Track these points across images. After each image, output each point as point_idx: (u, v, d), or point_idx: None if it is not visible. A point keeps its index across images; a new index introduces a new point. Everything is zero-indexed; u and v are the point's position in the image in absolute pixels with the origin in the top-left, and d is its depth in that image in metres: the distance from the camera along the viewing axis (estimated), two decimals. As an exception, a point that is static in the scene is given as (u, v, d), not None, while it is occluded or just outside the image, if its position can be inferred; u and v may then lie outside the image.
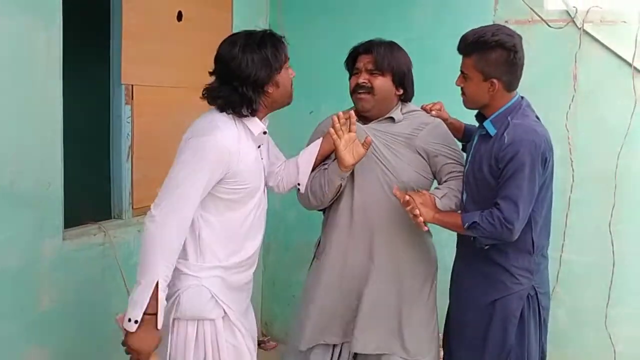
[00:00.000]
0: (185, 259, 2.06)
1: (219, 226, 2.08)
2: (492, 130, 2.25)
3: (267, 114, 2.17)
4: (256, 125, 2.10)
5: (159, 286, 1.90)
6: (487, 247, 2.26)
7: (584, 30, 3.17)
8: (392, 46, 2.42)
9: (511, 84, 2.26)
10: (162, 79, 3.14)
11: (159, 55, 3.10)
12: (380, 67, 2.37)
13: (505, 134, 2.18)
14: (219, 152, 1.97)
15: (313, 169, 2.41)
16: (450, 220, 2.30)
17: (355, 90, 2.41)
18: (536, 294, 2.30)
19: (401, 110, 2.47)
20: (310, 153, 2.41)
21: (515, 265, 2.28)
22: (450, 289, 2.54)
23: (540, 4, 3.27)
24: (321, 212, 2.63)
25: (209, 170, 1.96)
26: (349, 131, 2.28)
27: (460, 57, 2.30)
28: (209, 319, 2.07)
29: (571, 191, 3.23)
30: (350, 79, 2.46)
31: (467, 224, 2.21)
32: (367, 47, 2.41)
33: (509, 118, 2.22)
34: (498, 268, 2.30)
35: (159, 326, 1.93)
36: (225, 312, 2.09)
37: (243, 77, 2.01)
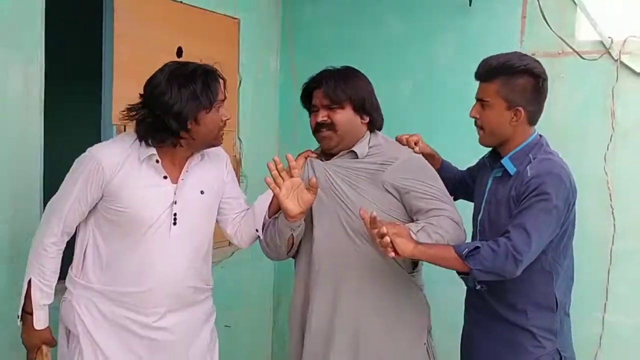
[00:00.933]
0: (71, 270, 2.10)
1: (103, 248, 2.05)
2: (511, 169, 2.06)
3: (191, 150, 2.08)
4: (146, 151, 2.02)
5: (33, 285, 2.00)
6: (480, 288, 2.01)
7: (621, 62, 2.93)
8: (345, 73, 2.21)
9: (535, 116, 2.09)
10: None
11: None
12: (335, 100, 2.16)
13: (527, 169, 2.01)
14: (91, 163, 1.98)
15: (273, 214, 2.21)
16: (438, 252, 1.96)
17: (316, 130, 2.21)
18: (561, 359, 2.06)
19: (369, 142, 2.23)
20: (265, 197, 2.21)
21: (536, 326, 2.05)
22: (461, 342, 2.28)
23: (572, 34, 3.03)
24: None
25: (81, 180, 1.99)
26: (291, 176, 2.07)
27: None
28: (74, 333, 2.07)
29: (613, 242, 2.94)
30: (309, 117, 2.26)
31: (465, 251, 1.91)
32: (318, 81, 2.20)
33: (530, 155, 2.05)
34: (516, 330, 2.06)
35: (36, 326, 2.02)
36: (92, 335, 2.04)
37: (165, 106, 1.96)
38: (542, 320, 2.05)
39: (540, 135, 2.12)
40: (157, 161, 2.03)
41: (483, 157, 2.28)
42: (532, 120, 2.09)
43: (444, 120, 3.14)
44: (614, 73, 2.92)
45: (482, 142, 2.15)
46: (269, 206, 2.19)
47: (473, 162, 2.40)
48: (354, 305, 2.16)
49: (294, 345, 2.29)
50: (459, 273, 2.01)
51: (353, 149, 2.20)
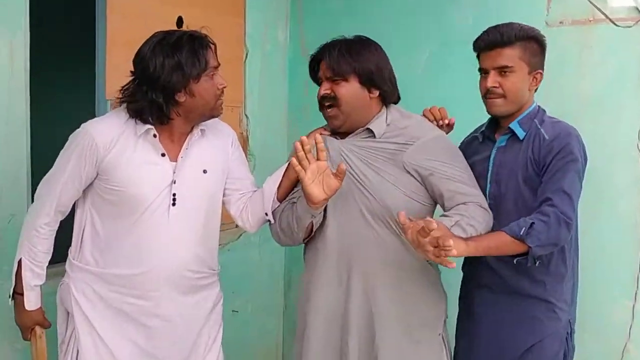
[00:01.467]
0: (70, 252, 2.04)
1: (101, 229, 1.99)
2: (520, 133, 2.06)
3: (189, 124, 1.99)
4: (142, 126, 1.93)
5: (23, 265, 1.96)
6: (536, 263, 1.95)
7: (658, 30, 2.70)
8: (350, 43, 2.05)
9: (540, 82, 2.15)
10: None
11: None
12: (338, 71, 2.02)
13: (542, 131, 2.02)
14: (84, 139, 1.92)
15: (283, 198, 2.12)
16: (493, 242, 1.86)
17: (321, 105, 2.08)
18: (570, 331, 2.09)
19: (387, 118, 2.08)
20: (274, 178, 2.13)
21: (554, 296, 2.05)
22: (458, 331, 2.24)
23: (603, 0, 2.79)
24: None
25: (74, 157, 1.92)
26: (317, 159, 1.93)
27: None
28: (72, 314, 2.01)
29: None
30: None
31: (522, 231, 1.83)
32: (321, 52, 2.08)
33: (535, 121, 2.07)
34: (535, 303, 2.05)
35: (27, 306, 1.99)
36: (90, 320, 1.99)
37: (151, 80, 1.87)
38: (559, 290, 2.04)
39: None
40: (155, 135, 1.94)
41: (470, 135, 2.27)
42: (538, 86, 2.14)
43: (462, 94, 2.95)
44: (651, 42, 2.69)
45: (499, 111, 2.09)
46: (278, 189, 2.10)
47: None
48: (369, 293, 2.05)
49: (307, 331, 2.15)
50: (513, 256, 1.91)
51: (369, 126, 2.06)
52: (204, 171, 2.03)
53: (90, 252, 1.99)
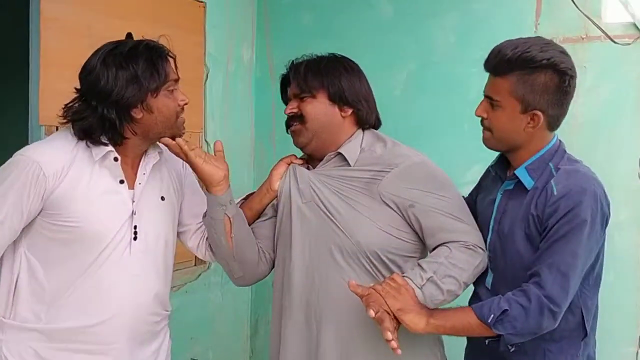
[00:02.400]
0: None
1: (44, 277, 1.71)
2: (528, 182, 1.74)
3: (145, 144, 1.80)
4: (99, 148, 1.73)
5: None
6: (514, 349, 1.67)
7: (659, 48, 2.57)
8: (320, 59, 1.93)
9: (557, 121, 1.76)
10: None
11: None
12: (305, 87, 1.88)
13: (552, 184, 1.68)
14: (27, 168, 1.66)
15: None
16: (460, 323, 1.65)
17: (287, 124, 1.94)
18: None
19: (362, 142, 1.91)
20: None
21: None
22: None
23: (597, 14, 2.63)
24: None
25: (15, 190, 1.65)
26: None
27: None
28: None
29: None
30: None
31: (490, 318, 1.60)
32: (289, 70, 1.95)
33: (550, 165, 1.74)
34: None
35: None
36: None
37: (102, 94, 1.68)
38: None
39: (560, 140, 1.80)
40: (116, 159, 1.74)
41: (488, 167, 1.95)
42: (554, 125, 1.76)
43: (442, 118, 2.78)
44: (650, 61, 2.55)
45: (488, 145, 1.81)
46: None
47: (476, 167, 2.01)
48: (340, 351, 1.82)
49: None
50: (485, 337, 1.69)
51: (340, 151, 1.88)
52: (162, 198, 1.87)
53: (28, 306, 1.73)
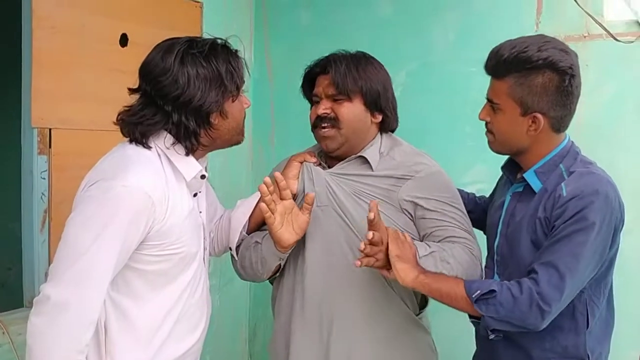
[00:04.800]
0: None
1: (137, 314, 1.55)
2: (536, 185, 1.69)
3: (206, 153, 1.69)
4: (189, 165, 1.59)
5: None
6: (494, 336, 1.63)
7: (662, 46, 2.51)
8: (357, 59, 1.88)
9: (562, 122, 1.69)
10: (95, 119, 2.46)
11: (91, 89, 2.46)
12: (343, 89, 1.82)
13: (563, 186, 1.62)
14: (138, 200, 1.46)
15: (254, 231, 1.92)
16: (446, 288, 1.63)
17: (316, 125, 1.88)
18: None
19: (381, 146, 1.90)
20: (244, 209, 1.89)
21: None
22: None
23: (599, 12, 2.57)
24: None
25: (125, 227, 1.44)
26: (281, 198, 1.77)
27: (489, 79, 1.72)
28: None
29: None
30: (310, 108, 1.93)
31: (476, 293, 1.58)
32: (323, 65, 1.87)
33: (561, 167, 1.68)
34: None
35: None
36: None
37: (181, 99, 1.52)
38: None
39: (572, 141, 1.73)
40: (203, 177, 1.64)
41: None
42: (559, 127, 1.68)
43: (442, 117, 2.73)
44: (654, 59, 2.49)
45: (493, 148, 1.78)
46: (249, 219, 1.89)
47: (476, 167, 1.96)
48: (349, 352, 1.84)
49: None
50: (470, 316, 1.69)
51: (362, 154, 1.88)
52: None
53: (122, 351, 1.54)
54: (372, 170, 1.85)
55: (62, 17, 2.34)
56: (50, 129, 2.32)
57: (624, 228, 1.76)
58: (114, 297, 1.53)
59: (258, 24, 3.35)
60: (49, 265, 2.27)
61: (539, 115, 1.63)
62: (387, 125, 1.93)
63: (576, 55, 1.66)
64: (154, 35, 2.64)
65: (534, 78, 1.61)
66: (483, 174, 2.57)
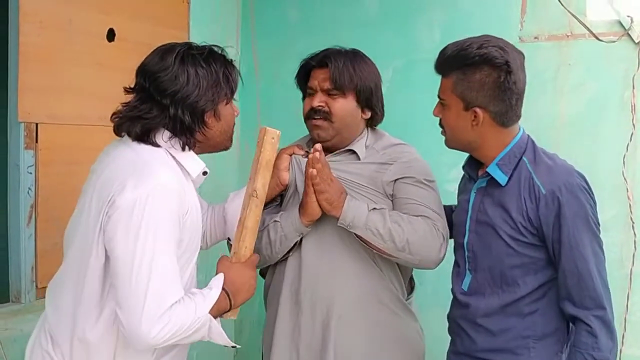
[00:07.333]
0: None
1: None
2: (501, 178, 1.72)
3: (200, 152, 1.70)
4: (193, 162, 1.64)
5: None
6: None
7: (642, 46, 2.55)
8: (354, 56, 1.95)
9: (504, 116, 1.72)
10: (82, 114, 2.48)
11: (78, 84, 2.47)
12: (339, 85, 1.89)
13: (537, 183, 1.66)
14: (171, 196, 1.51)
15: None
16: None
17: (309, 116, 1.95)
18: None
19: (367, 141, 1.99)
20: (241, 201, 1.87)
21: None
22: None
23: (582, 12, 2.61)
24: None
25: (174, 221, 1.52)
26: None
27: None
28: None
29: (633, 263, 2.57)
30: (303, 99, 2.00)
31: None
32: (321, 60, 1.92)
33: (524, 159, 1.72)
34: None
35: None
36: None
37: (178, 95, 1.57)
38: None
39: (528, 134, 1.78)
40: (205, 173, 1.69)
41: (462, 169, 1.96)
42: (502, 121, 1.71)
43: (427, 115, 2.74)
44: (635, 59, 2.52)
45: (448, 145, 1.83)
46: None
47: (460, 164, 2.01)
48: (344, 335, 1.89)
49: None
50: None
51: (352, 147, 1.97)
52: None
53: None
54: (359, 160, 1.93)
55: (49, 12, 2.34)
56: (37, 124, 2.32)
57: (603, 224, 1.81)
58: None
59: (245, 21, 3.34)
60: (35, 260, 2.34)
61: (479, 110, 1.68)
62: (374, 122, 2.01)
63: (520, 54, 1.70)
64: (141, 31, 2.69)
65: (472, 74, 1.67)
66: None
